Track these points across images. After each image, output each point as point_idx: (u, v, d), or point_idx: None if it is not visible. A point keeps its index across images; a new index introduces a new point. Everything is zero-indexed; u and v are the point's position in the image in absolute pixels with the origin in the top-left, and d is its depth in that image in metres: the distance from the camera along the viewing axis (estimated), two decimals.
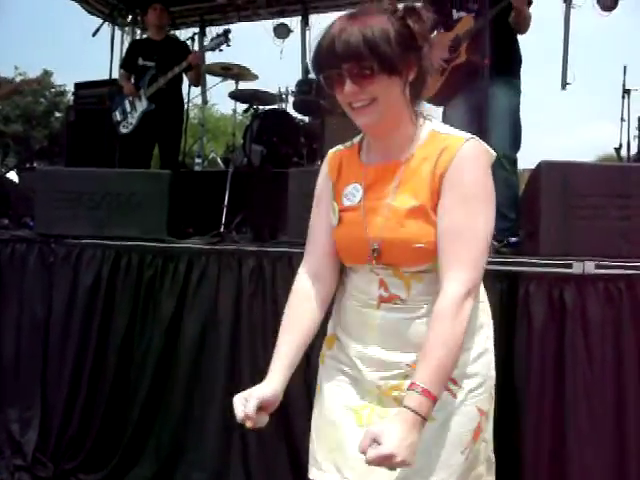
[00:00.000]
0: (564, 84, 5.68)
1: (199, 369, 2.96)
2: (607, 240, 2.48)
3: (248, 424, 1.41)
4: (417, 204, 1.44)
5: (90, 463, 3.14)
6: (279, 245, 3.00)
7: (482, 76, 3.21)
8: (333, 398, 1.60)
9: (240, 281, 2.89)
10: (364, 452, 1.27)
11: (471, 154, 1.43)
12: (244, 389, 2.73)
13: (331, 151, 1.67)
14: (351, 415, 1.55)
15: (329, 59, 1.40)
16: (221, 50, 5.13)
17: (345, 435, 1.54)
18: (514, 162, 3.62)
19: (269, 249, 2.94)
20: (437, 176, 1.43)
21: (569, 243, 2.50)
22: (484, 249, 1.42)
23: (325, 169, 1.65)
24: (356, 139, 1.63)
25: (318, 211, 1.64)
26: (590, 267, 2.41)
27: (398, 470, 1.42)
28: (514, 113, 3.66)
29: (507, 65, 3.61)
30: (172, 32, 7.01)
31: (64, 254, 3.30)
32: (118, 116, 5.15)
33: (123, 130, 5.12)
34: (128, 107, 5.11)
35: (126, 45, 8.87)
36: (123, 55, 5.31)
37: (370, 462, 1.26)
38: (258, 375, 2.74)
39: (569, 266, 2.43)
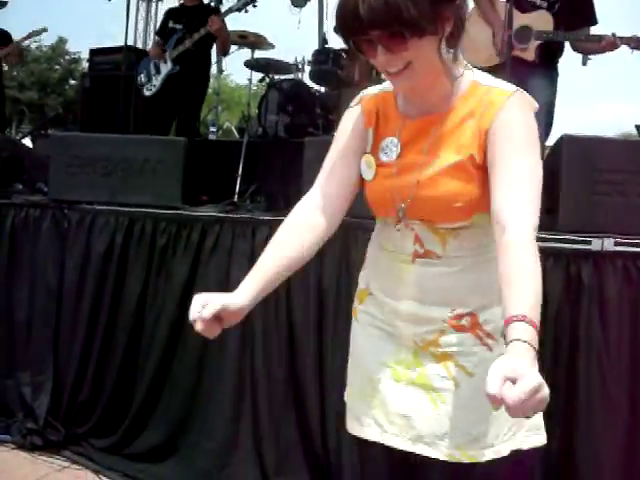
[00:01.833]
0: (585, 60, 5.57)
1: (210, 340, 2.95)
2: (627, 217, 2.43)
3: (198, 326, 1.31)
4: (458, 160, 1.38)
5: (101, 428, 3.17)
6: None
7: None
8: (368, 354, 1.57)
9: (253, 250, 2.87)
10: (498, 395, 1.01)
11: (518, 106, 1.37)
12: (256, 357, 2.74)
13: (366, 93, 1.56)
14: (388, 371, 1.52)
15: (355, 25, 1.29)
16: (247, 11, 5.04)
17: (383, 391, 1.52)
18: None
19: (283, 218, 2.90)
20: (482, 131, 1.36)
21: (589, 219, 2.45)
22: (539, 187, 1.34)
23: (358, 111, 1.54)
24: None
25: (340, 148, 1.54)
26: (609, 244, 2.36)
27: (437, 423, 1.44)
28: (550, 105, 3.59)
29: (552, 56, 3.54)
30: None
31: (77, 220, 3.29)
32: (143, 79, 5.08)
33: (147, 93, 5.06)
34: (153, 70, 5.05)
35: (142, 12, 8.84)
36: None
37: (515, 402, 1.00)
38: (269, 343, 2.78)
39: (588, 242, 2.39)
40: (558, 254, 2.40)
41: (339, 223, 1.56)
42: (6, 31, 5.88)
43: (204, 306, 1.31)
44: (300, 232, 1.49)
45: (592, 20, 3.56)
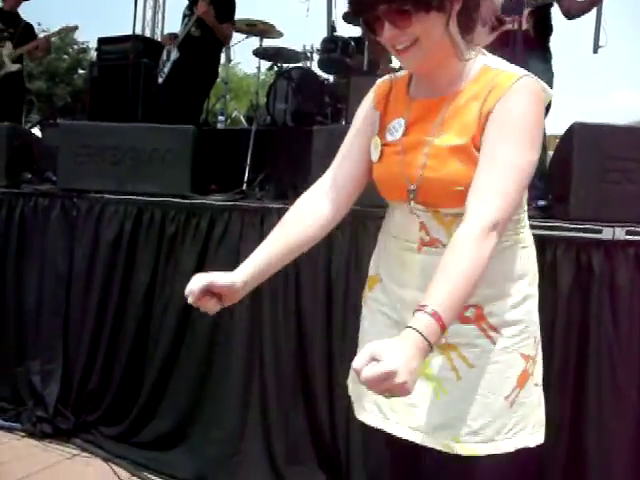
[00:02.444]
0: (596, 47, 5.52)
1: (219, 327, 2.96)
2: (639, 205, 2.41)
3: (189, 299, 1.38)
4: (460, 143, 1.36)
5: (110, 416, 3.18)
6: None
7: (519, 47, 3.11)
8: (374, 340, 1.57)
9: (262, 238, 2.83)
10: (359, 370, 1.09)
11: (523, 90, 1.33)
12: (265, 346, 2.75)
13: (380, 80, 1.59)
14: None
15: (363, 2, 1.33)
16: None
17: None
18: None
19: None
20: (484, 114, 1.34)
21: (600, 208, 2.43)
22: (518, 183, 1.30)
23: (371, 96, 1.58)
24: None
25: (351, 131, 1.57)
26: (620, 233, 2.35)
27: (437, 413, 1.44)
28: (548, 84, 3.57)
29: (543, 37, 3.51)
30: None
31: (87, 209, 3.29)
32: (160, 65, 5.11)
33: (159, 79, 5.09)
34: (165, 56, 5.07)
35: (150, 1, 8.82)
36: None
37: (366, 381, 1.08)
38: (278, 332, 2.78)
39: (599, 231, 2.37)
40: (569, 243, 2.39)
41: (348, 209, 1.57)
42: (31, 25, 5.90)
43: (196, 281, 1.38)
44: (305, 217, 1.52)
45: None
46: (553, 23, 3.71)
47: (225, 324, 2.94)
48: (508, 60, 3.15)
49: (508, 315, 1.44)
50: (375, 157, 1.50)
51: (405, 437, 1.49)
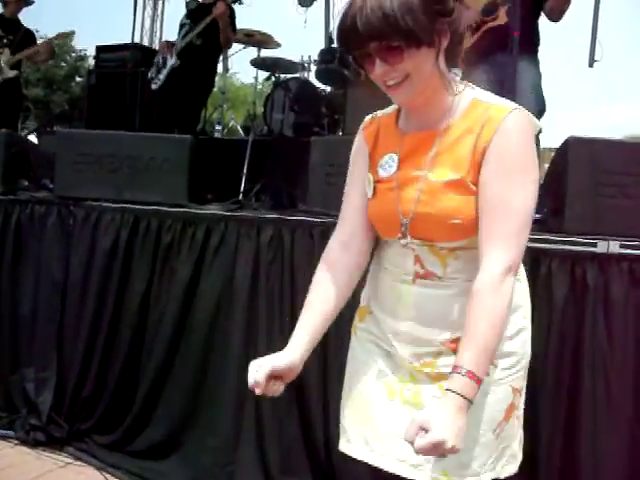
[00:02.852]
0: (592, 61, 5.55)
1: (214, 335, 2.96)
2: (633, 219, 2.42)
3: (257, 391, 1.38)
4: (456, 177, 1.37)
5: (104, 424, 3.17)
6: (298, 214, 2.97)
7: (510, 49, 3.15)
8: (365, 371, 1.57)
9: (258, 249, 2.87)
10: (412, 441, 1.22)
11: (515, 126, 1.35)
12: (259, 356, 2.73)
13: (368, 117, 1.61)
14: (382, 388, 1.53)
15: (354, 39, 1.33)
16: (241, 3, 5.07)
17: (376, 409, 1.52)
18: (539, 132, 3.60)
19: (288, 217, 2.91)
20: (479, 149, 1.36)
21: (594, 221, 2.44)
22: (525, 224, 1.35)
23: (361, 135, 1.59)
24: (395, 105, 1.55)
25: (352, 178, 1.59)
26: (615, 246, 2.36)
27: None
28: (538, 89, 3.61)
29: (530, 44, 3.55)
30: None
31: (83, 217, 3.29)
32: (153, 72, 5.11)
33: (153, 86, 5.10)
34: (161, 63, 5.07)
35: (149, 10, 8.85)
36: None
37: (419, 451, 1.21)
38: (272, 344, 2.78)
39: (593, 245, 2.38)
40: (563, 256, 2.40)
41: (371, 250, 1.59)
42: (31, 31, 5.91)
43: (257, 371, 1.39)
44: (335, 277, 1.54)
45: None
46: (543, 37, 3.77)
47: (220, 333, 2.94)
48: (503, 64, 3.20)
49: (504, 346, 1.44)
50: (369, 194, 1.52)
51: (391, 470, 1.48)
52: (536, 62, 3.67)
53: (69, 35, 6.26)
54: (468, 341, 1.30)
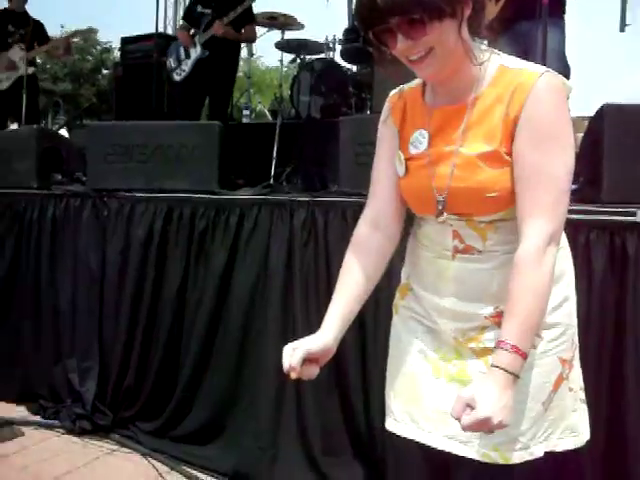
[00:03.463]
0: (623, 26, 5.41)
1: (251, 321, 2.97)
2: None
3: (292, 375, 1.38)
4: (490, 149, 1.34)
5: (147, 411, 3.23)
6: (331, 195, 2.96)
7: (537, 14, 3.10)
8: (409, 349, 1.55)
9: (292, 232, 2.87)
10: (458, 418, 1.23)
11: (547, 90, 1.31)
12: (296, 339, 2.73)
13: (393, 92, 1.58)
14: (427, 366, 1.52)
15: (374, 15, 1.30)
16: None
17: (421, 386, 1.51)
18: None
19: (320, 199, 2.90)
20: (511, 117, 1.33)
21: (633, 189, 2.38)
22: (564, 192, 1.32)
23: (387, 112, 1.56)
24: (419, 79, 1.52)
25: (380, 156, 1.56)
26: None
27: None
28: (562, 53, 3.56)
29: (555, 3, 3.47)
30: None
31: (117, 208, 3.33)
32: (172, 63, 5.08)
33: (176, 77, 5.06)
34: (183, 54, 5.05)
35: None
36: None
37: (466, 428, 1.22)
38: (310, 326, 2.78)
39: (632, 214, 2.32)
40: (602, 226, 2.34)
41: (402, 224, 1.58)
42: (41, 23, 5.92)
43: (291, 355, 1.38)
44: (366, 257, 1.53)
45: None
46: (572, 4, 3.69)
47: (258, 317, 2.95)
48: (529, 30, 3.14)
49: (548, 317, 1.41)
50: (402, 172, 1.49)
51: (440, 447, 1.47)
52: (561, 27, 3.60)
53: (88, 33, 6.28)
54: (512, 315, 1.29)
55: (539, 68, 1.36)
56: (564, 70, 3.54)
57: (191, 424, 3.11)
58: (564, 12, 3.68)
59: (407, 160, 1.48)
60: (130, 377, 3.24)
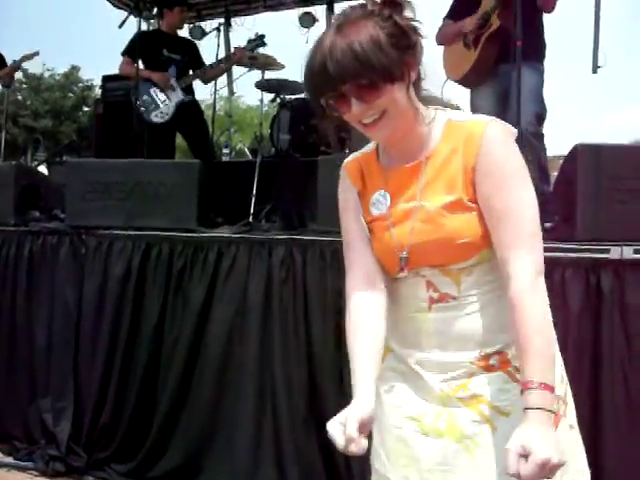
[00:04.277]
0: (595, 67, 5.53)
1: (229, 359, 2.96)
2: None
3: (352, 448, 1.28)
4: (452, 198, 1.37)
5: (122, 452, 3.17)
6: (309, 233, 2.98)
7: (513, 58, 3.19)
8: (394, 411, 1.52)
9: (270, 270, 2.88)
10: (517, 472, 1.17)
11: (496, 136, 1.36)
12: (274, 380, 2.70)
13: (347, 160, 1.58)
14: (414, 425, 1.48)
15: (326, 82, 1.31)
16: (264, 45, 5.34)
17: (414, 448, 1.47)
18: (542, 137, 3.67)
19: (299, 237, 2.92)
20: (469, 167, 1.36)
21: (606, 227, 2.43)
22: (537, 223, 1.35)
23: (346, 179, 1.56)
24: (372, 144, 1.54)
25: (348, 220, 1.55)
26: (628, 252, 2.35)
27: (480, 472, 1.38)
28: (540, 95, 3.67)
29: (534, 49, 3.57)
30: (197, 23, 7.04)
31: (95, 245, 3.32)
32: (147, 104, 5.14)
33: (157, 119, 5.11)
34: (161, 96, 5.11)
35: None
36: (129, 44, 5.29)
37: (529, 478, 1.16)
38: (288, 363, 2.77)
39: (606, 251, 2.37)
40: (577, 264, 2.39)
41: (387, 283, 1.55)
42: (2, 55, 6.09)
43: (344, 428, 1.30)
44: (371, 316, 1.49)
45: None
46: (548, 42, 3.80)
47: (234, 355, 2.94)
48: (508, 72, 3.23)
49: None
50: (368, 235, 1.50)
51: None
52: (540, 71, 3.71)
53: (32, 57, 6.42)
54: (528, 355, 1.28)
55: (485, 117, 1.41)
56: (541, 111, 3.65)
57: (167, 464, 3.06)
58: (544, 57, 3.79)
59: (369, 223, 1.49)
60: (106, 416, 3.19)
